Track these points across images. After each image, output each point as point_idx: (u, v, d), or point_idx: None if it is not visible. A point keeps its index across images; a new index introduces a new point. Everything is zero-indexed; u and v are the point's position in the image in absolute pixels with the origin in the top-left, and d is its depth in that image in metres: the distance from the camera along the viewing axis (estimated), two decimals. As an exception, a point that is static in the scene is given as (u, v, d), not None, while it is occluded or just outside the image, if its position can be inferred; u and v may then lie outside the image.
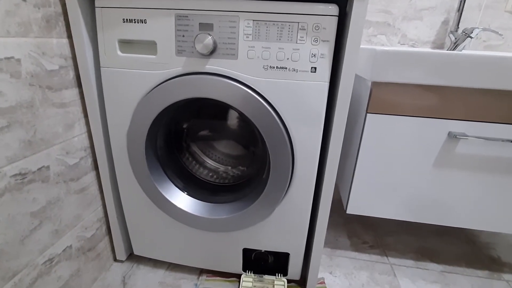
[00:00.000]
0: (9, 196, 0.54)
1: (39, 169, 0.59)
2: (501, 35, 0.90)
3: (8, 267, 0.55)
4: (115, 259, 0.89)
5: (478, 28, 0.93)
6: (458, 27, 0.97)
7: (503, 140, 0.68)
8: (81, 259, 0.74)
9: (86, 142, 0.72)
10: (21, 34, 0.53)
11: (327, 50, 0.57)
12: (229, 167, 0.86)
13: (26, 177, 0.56)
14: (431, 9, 1.00)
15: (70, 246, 0.70)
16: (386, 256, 0.97)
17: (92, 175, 0.75)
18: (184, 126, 0.83)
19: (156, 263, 0.89)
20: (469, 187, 0.75)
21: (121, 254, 0.88)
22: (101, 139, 0.72)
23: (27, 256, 0.58)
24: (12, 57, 0.52)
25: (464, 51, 0.81)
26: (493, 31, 0.91)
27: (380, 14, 1.03)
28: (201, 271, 0.87)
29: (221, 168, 0.86)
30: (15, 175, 0.54)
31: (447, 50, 1.00)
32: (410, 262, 0.95)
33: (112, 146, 0.72)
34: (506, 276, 0.91)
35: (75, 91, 0.67)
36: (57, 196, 0.64)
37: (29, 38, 0.55)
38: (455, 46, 0.98)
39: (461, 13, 0.96)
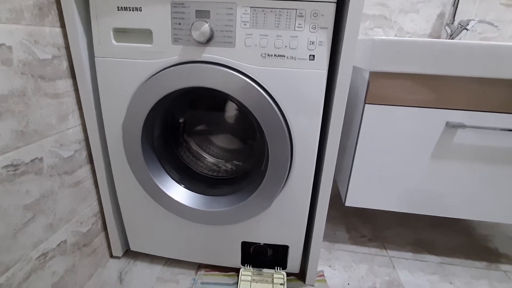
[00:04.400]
0: (1, 188, 0.52)
1: (32, 160, 0.58)
2: (496, 26, 0.90)
3: (0, 261, 0.53)
4: (111, 255, 0.88)
5: (473, 20, 0.93)
6: (454, 20, 0.98)
7: (501, 129, 0.68)
8: (76, 255, 0.73)
9: (81, 135, 0.70)
10: (13, 21, 0.52)
11: (326, 38, 0.56)
12: (223, 161, 0.85)
13: (18, 169, 0.55)
14: (427, 2, 1.01)
15: (65, 241, 0.68)
16: (385, 249, 0.97)
17: (87, 168, 0.73)
18: (181, 117, 0.82)
19: (153, 258, 0.88)
20: (467, 178, 0.75)
21: (117, 250, 0.86)
22: (96, 132, 0.71)
23: (20, 250, 0.57)
24: (3, 44, 0.50)
25: (460, 40, 0.80)
26: (488, 23, 0.91)
27: (376, 7, 1.03)
28: (199, 266, 0.86)
29: (216, 161, 0.85)
30: (7, 166, 0.53)
31: (443, 42, 1.01)
32: (408, 255, 0.95)
33: (108, 139, 0.71)
34: (504, 266, 0.92)
35: (68, 82, 0.65)
36: (50, 189, 0.63)
37: (21, 26, 0.53)
38: (451, 38, 0.99)
39: (456, 6, 0.96)
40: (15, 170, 0.54)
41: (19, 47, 0.53)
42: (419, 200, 0.79)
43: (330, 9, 0.54)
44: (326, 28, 0.55)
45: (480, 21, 0.93)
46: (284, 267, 0.81)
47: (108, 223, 0.82)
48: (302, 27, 0.56)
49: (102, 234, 0.83)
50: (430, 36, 1.04)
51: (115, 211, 0.81)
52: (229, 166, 0.85)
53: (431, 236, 1.04)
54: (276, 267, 0.81)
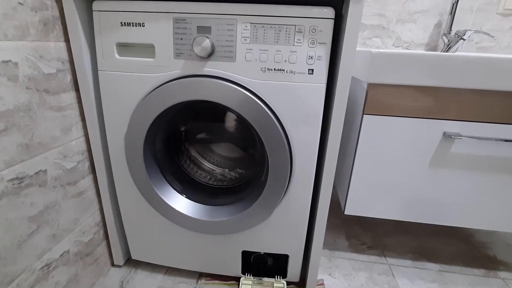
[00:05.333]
0: (7, 201, 0.53)
1: (36, 173, 0.59)
2: (493, 36, 0.92)
3: (6, 273, 0.54)
4: (112, 264, 0.88)
5: (470, 30, 0.95)
6: (451, 30, 0.99)
7: (496, 140, 0.69)
8: (78, 264, 0.73)
9: (84, 146, 0.71)
10: (19, 38, 0.53)
11: (324, 52, 0.57)
12: (227, 170, 0.87)
13: (23, 181, 0.56)
14: (424, 12, 1.02)
15: (68, 251, 0.69)
16: (385, 256, 0.98)
17: (89, 179, 0.74)
18: (182, 128, 0.83)
19: (154, 267, 0.89)
20: (464, 187, 0.76)
21: (119, 259, 0.87)
22: (98, 143, 0.72)
23: (25, 261, 0.58)
24: (10, 61, 0.51)
25: (457, 53, 0.82)
26: (485, 33, 0.92)
27: (374, 17, 1.05)
28: (200, 275, 0.87)
29: (218, 170, 0.86)
30: (12, 179, 0.54)
31: (441, 52, 1.02)
32: (408, 262, 0.96)
33: (110, 150, 0.72)
34: (502, 274, 0.92)
35: (72, 95, 0.66)
36: (54, 200, 0.64)
37: (27, 42, 0.55)
38: (448, 48, 1.00)
39: (453, 16, 0.98)
40: (20, 182, 0.55)
41: (25, 62, 0.55)
42: (418, 208, 0.80)
43: (328, 25, 0.56)
44: (324, 43, 0.57)
45: (476, 31, 0.94)
46: (284, 275, 0.82)
47: (109, 232, 0.83)
48: (301, 43, 0.57)
49: (104, 243, 0.83)
50: (428, 45, 1.06)
51: (116, 221, 0.82)
52: (233, 175, 0.86)
53: (431, 244, 1.05)
54: (276, 276, 0.82)
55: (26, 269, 0.58)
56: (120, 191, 0.77)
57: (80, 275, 0.74)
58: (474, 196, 0.76)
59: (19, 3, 0.53)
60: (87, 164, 0.73)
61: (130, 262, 0.90)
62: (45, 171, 0.61)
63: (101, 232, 0.82)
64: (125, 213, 0.80)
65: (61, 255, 0.67)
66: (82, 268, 0.75)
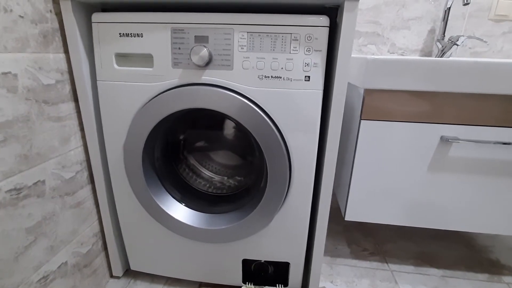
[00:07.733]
0: (4, 212, 0.53)
1: (34, 183, 0.58)
2: (485, 42, 0.93)
3: (2, 286, 0.53)
4: (111, 276, 0.87)
5: (463, 36, 0.96)
6: (444, 36, 1.01)
7: (494, 143, 0.70)
8: (76, 276, 0.72)
9: (82, 156, 0.71)
10: (18, 50, 0.54)
11: (320, 59, 0.58)
12: (226, 178, 0.86)
13: (21, 192, 0.56)
14: (417, 19, 1.04)
15: (66, 263, 0.68)
16: (387, 262, 0.97)
17: (88, 189, 0.74)
18: (181, 137, 0.83)
19: (153, 278, 0.88)
20: (464, 190, 0.76)
21: (117, 270, 0.86)
22: (97, 152, 0.72)
23: (22, 273, 0.57)
24: (9, 72, 0.52)
25: (451, 58, 0.83)
26: (477, 38, 0.94)
27: (369, 25, 1.06)
28: (200, 285, 0.85)
29: (217, 178, 0.86)
30: (10, 190, 0.53)
31: (435, 57, 1.04)
32: (410, 268, 0.95)
33: (109, 159, 0.72)
34: (506, 278, 0.91)
35: (71, 105, 0.67)
36: (52, 211, 0.63)
37: (26, 54, 0.55)
38: (442, 53, 1.02)
39: (446, 22, 0.99)
40: (18, 193, 0.55)
41: (24, 74, 0.55)
42: (418, 213, 0.80)
43: (323, 33, 0.57)
44: (320, 50, 0.58)
45: (469, 37, 0.96)
46: (285, 284, 0.81)
47: (108, 242, 0.82)
48: (297, 50, 0.58)
49: (102, 254, 0.82)
50: (422, 51, 1.08)
51: (115, 231, 0.81)
52: (232, 182, 0.85)
53: (433, 249, 1.04)
54: (277, 284, 0.81)
55: (23, 282, 0.57)
56: (119, 200, 0.76)
57: (78, 287, 0.73)
58: (474, 199, 0.76)
59: (20, 16, 0.53)
60: (85, 174, 0.73)
61: (129, 273, 0.89)
62: (43, 181, 0.61)
63: (100, 243, 0.81)
64: (124, 223, 0.79)
65: (59, 267, 0.66)
66: (80, 280, 0.74)
